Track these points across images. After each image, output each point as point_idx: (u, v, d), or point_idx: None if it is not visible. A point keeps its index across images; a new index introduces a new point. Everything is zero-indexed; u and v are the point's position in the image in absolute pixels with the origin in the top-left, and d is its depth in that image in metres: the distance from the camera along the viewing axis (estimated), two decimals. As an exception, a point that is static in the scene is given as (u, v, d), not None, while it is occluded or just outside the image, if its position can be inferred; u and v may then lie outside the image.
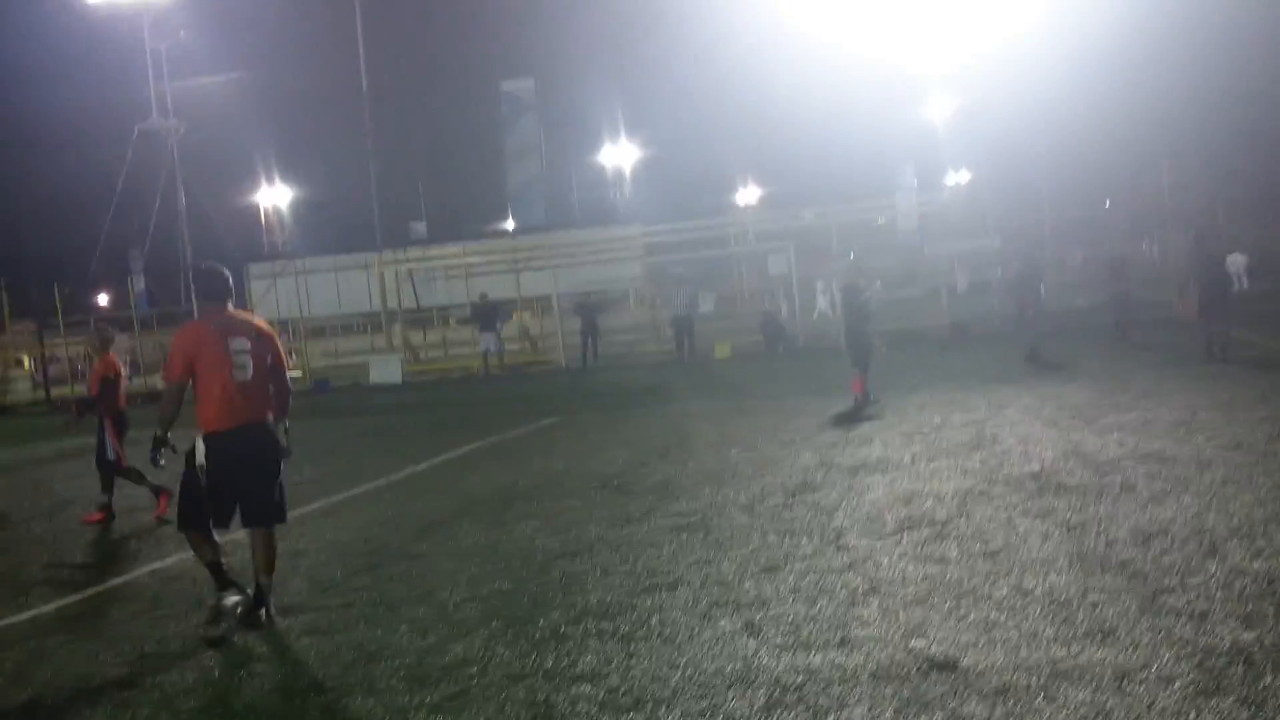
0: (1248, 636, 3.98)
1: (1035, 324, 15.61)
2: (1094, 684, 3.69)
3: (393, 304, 28.51)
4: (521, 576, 5.91)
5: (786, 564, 5.63)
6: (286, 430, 5.66)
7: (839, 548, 5.87)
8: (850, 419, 10.94)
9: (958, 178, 62.09)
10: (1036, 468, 7.49)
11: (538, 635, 4.85)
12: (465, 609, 5.38)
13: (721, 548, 6.13)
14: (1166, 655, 3.87)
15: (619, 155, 59.46)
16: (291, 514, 5.89)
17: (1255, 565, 4.83)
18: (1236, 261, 26.74)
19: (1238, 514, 5.73)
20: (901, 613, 4.66)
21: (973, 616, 4.52)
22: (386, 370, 25.21)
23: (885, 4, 40.95)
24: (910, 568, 5.35)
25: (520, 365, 25.51)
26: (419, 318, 32.97)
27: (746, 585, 5.32)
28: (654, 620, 4.90)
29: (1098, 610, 4.43)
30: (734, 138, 65.56)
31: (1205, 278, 13.59)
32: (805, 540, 6.10)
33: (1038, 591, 4.76)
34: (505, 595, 5.57)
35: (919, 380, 13.76)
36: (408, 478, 9.92)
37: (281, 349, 5.76)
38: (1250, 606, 4.30)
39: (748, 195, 65.93)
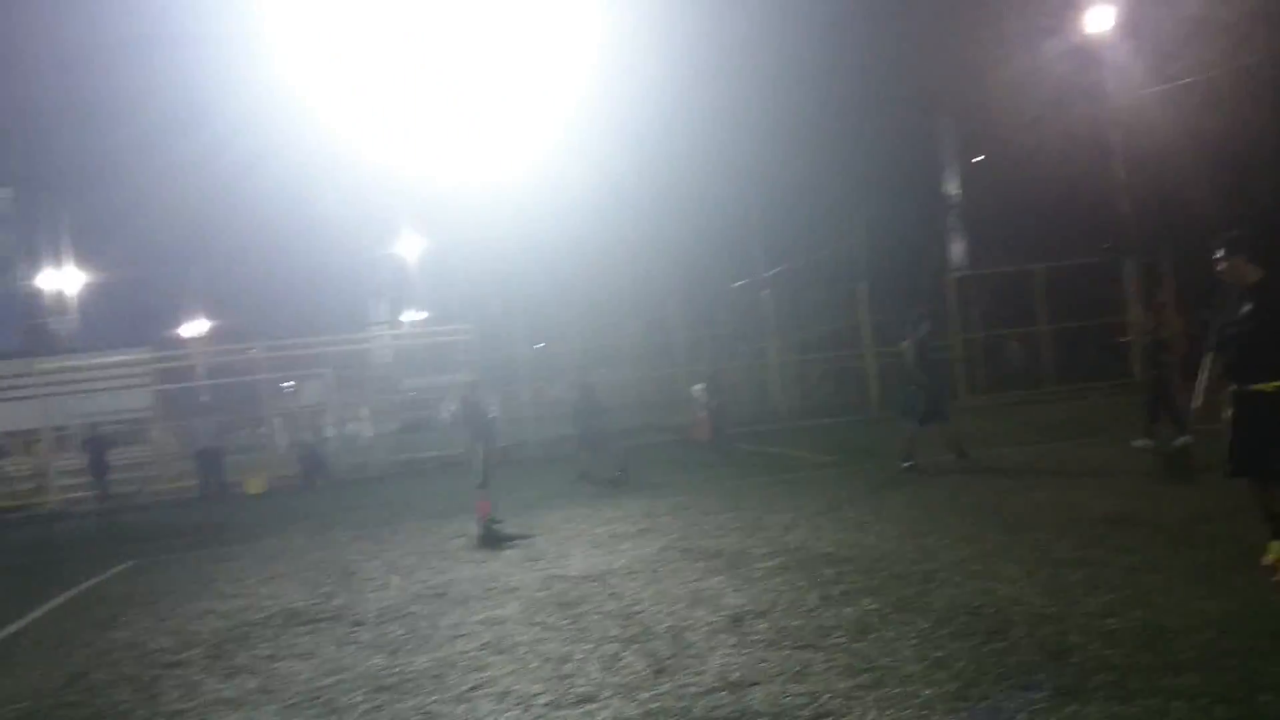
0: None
1: (599, 445, 17.19)
2: None
3: None
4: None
5: None
6: None
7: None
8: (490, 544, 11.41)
9: (417, 315, 64.89)
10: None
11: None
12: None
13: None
14: None
15: (63, 279, 54.84)
16: None
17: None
18: (700, 390, 31.11)
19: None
20: None
21: None
22: None
23: (355, 142, 42.21)
24: (685, 644, 6.35)
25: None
26: None
27: None
28: None
29: (865, 654, 5.75)
30: (187, 267, 63.03)
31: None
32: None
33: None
34: None
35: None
36: None
37: None
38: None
39: (196, 327, 63.53)
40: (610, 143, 33.63)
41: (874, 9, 29.74)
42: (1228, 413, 6.62)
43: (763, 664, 5.76)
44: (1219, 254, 6.66)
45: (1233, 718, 4.38)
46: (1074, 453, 13.89)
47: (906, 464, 13.27)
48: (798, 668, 5.62)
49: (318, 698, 6.04)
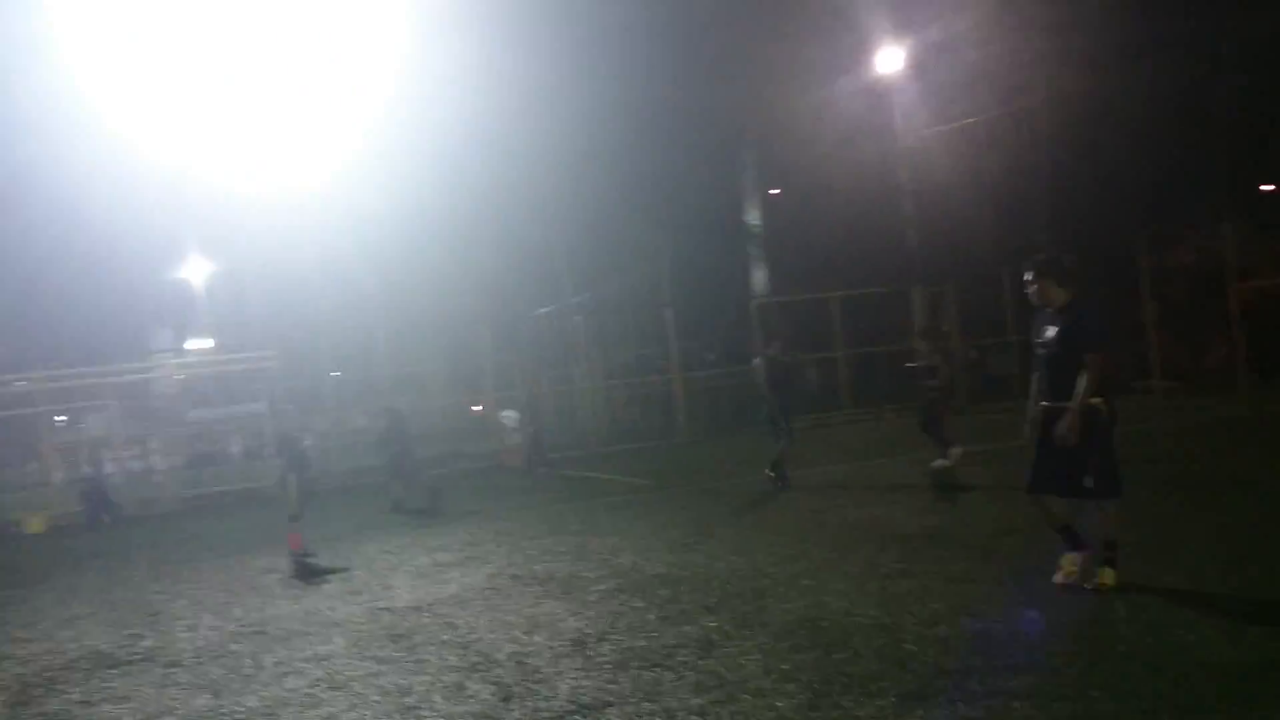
0: None
1: (409, 474, 16.75)
2: None
3: None
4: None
5: None
6: None
7: None
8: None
9: (202, 343, 62.01)
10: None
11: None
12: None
13: None
14: None
15: None
16: None
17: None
18: (510, 417, 30.94)
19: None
20: None
21: None
22: None
23: (135, 158, 39.90)
24: None
25: None
26: None
27: None
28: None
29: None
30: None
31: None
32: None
33: None
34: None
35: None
36: None
37: None
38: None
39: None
40: (414, 168, 33.12)
41: (680, 43, 30.45)
42: (1026, 430, 6.88)
43: (613, 685, 5.73)
44: (1028, 276, 6.85)
45: (1070, 714, 4.63)
46: (878, 472, 14.50)
47: (772, 472, 13.70)
48: (648, 687, 5.62)
49: (140, 743, 5.65)
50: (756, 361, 14.39)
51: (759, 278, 30.56)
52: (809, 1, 28.24)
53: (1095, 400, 6.48)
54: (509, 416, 30.68)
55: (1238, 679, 4.83)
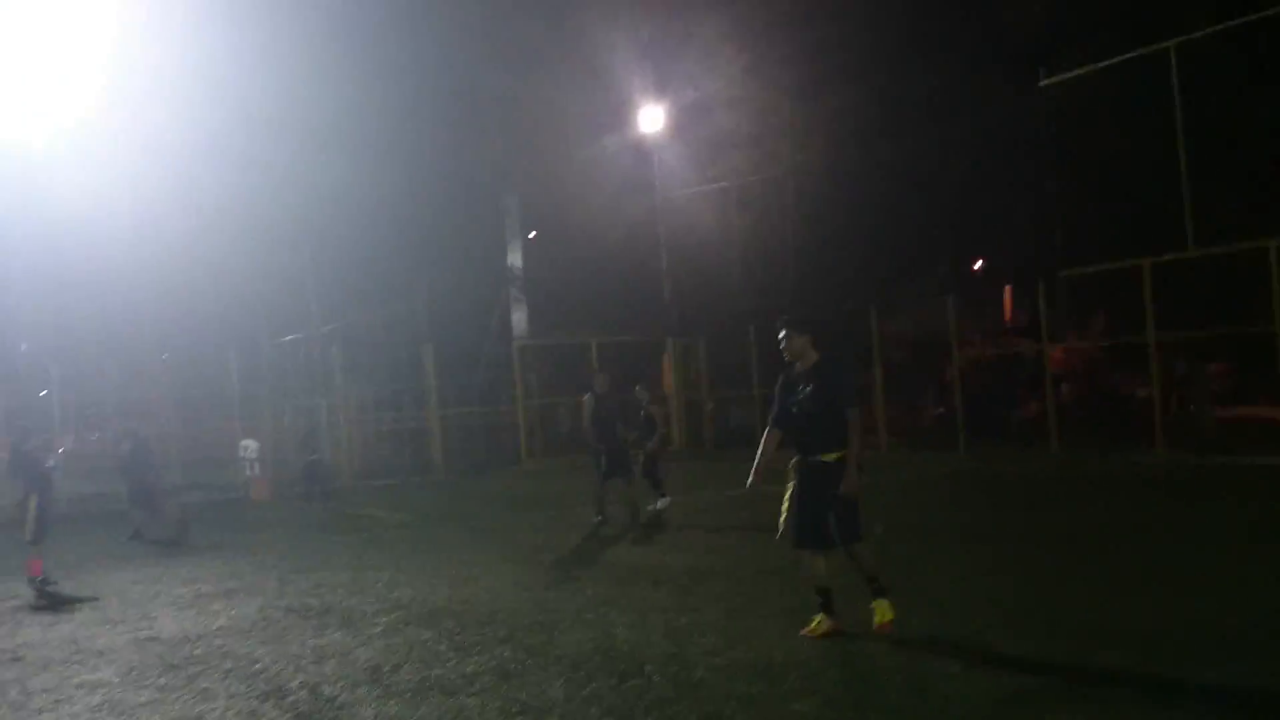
0: None
1: (152, 502, 15.92)
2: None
3: None
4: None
5: None
6: None
7: None
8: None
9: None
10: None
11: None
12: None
13: None
14: None
15: None
16: None
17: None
18: (250, 447, 29.78)
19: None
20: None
21: None
22: None
23: None
24: None
25: None
26: None
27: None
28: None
29: None
30: None
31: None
32: None
33: None
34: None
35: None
36: None
37: None
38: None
39: None
40: (154, 175, 31.53)
41: (450, 86, 30.61)
42: (789, 485, 7.04)
43: (416, 712, 5.85)
44: (782, 333, 7.04)
45: (853, 730, 5.16)
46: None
47: (598, 518, 13.52)
48: (454, 713, 5.78)
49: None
50: (585, 398, 14.17)
51: (519, 319, 30.91)
52: (584, 57, 29.07)
53: (840, 454, 6.78)
54: (248, 447, 29.58)
55: (993, 704, 5.49)
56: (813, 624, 6.94)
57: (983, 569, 9.24)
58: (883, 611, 6.84)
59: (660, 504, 13.93)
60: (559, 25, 29.23)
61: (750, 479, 7.22)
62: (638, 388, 15.92)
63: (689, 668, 6.40)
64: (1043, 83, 21.79)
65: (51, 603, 10.14)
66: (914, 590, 7.93)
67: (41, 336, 33.89)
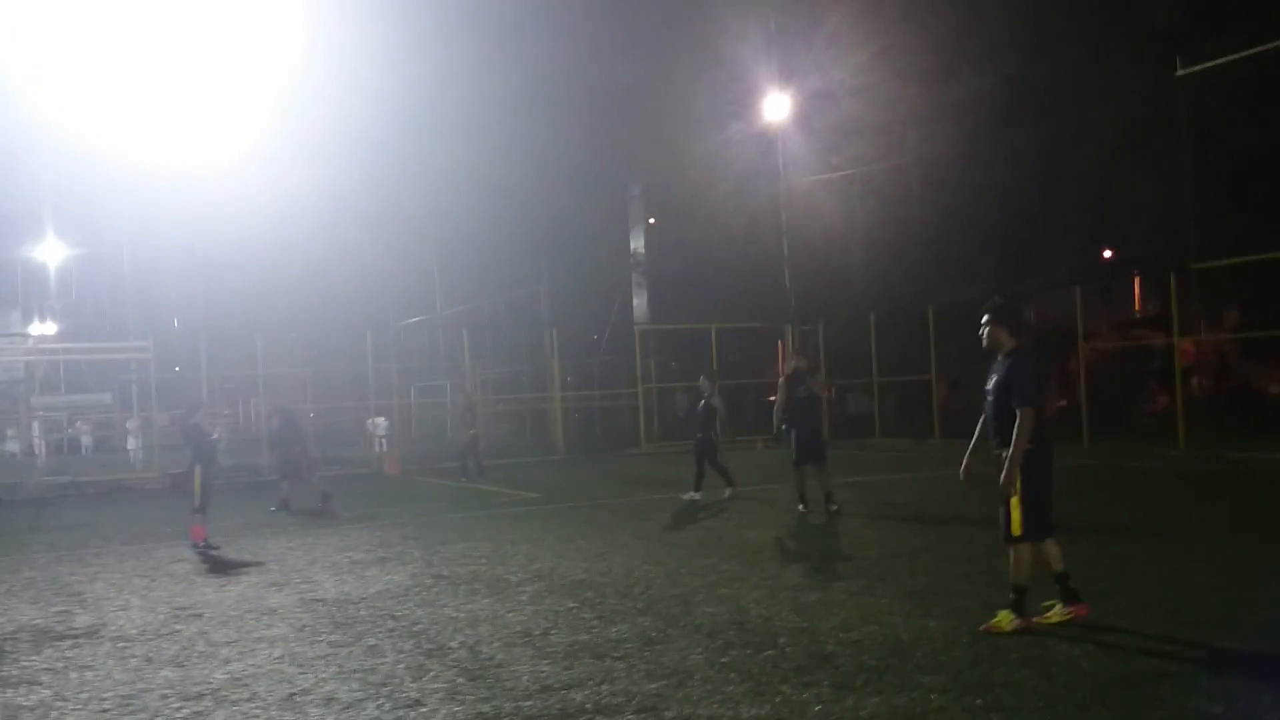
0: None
1: (300, 475, 16.85)
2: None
3: None
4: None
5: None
6: None
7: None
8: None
9: (44, 328, 59.57)
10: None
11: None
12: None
13: None
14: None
15: None
16: None
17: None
18: (379, 424, 31.07)
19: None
20: None
21: None
22: None
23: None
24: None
25: None
26: None
27: None
28: None
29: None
30: None
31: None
32: (361, 649, 7.08)
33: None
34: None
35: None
36: None
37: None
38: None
39: None
40: (300, 164, 32.95)
41: (577, 73, 31.22)
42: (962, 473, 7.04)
43: (569, 671, 6.33)
44: (984, 319, 6.93)
45: (982, 705, 5.46)
46: (761, 498, 15.38)
47: (800, 506, 13.01)
48: (604, 674, 6.25)
49: (129, 704, 5.99)
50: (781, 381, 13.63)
51: (640, 304, 31.48)
52: (711, 46, 29.39)
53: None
54: (378, 424, 30.79)
55: (1115, 685, 5.74)
56: (1049, 613, 6.87)
57: (1108, 559, 9.36)
58: (1003, 619, 6.77)
59: (728, 493, 14.68)
60: (687, 13, 29.60)
61: (961, 472, 7.17)
62: (701, 379, 16.17)
63: (820, 641, 6.77)
64: (1180, 72, 21.35)
65: (218, 567, 10.98)
66: (1040, 578, 8.15)
67: (192, 313, 35.71)
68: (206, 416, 13.53)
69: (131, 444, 32.42)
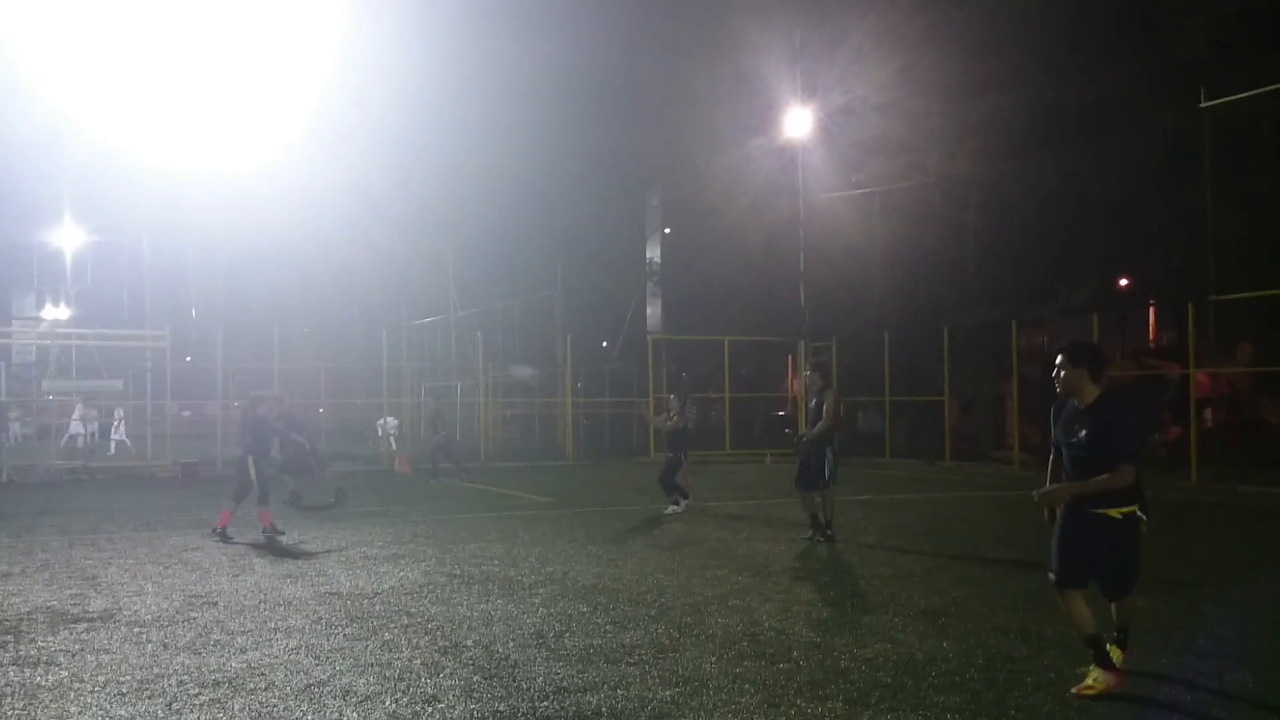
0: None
1: (306, 468, 16.90)
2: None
3: None
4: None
5: (395, 661, 6.67)
6: None
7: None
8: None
9: (57, 313, 59.81)
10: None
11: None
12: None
13: None
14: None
15: None
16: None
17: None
18: (390, 423, 31.14)
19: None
20: (549, 683, 6.19)
21: (601, 680, 6.26)
22: None
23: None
24: (500, 656, 6.84)
25: None
26: None
27: None
28: None
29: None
30: None
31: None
32: (376, 644, 7.12)
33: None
34: None
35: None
36: None
37: None
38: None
39: None
40: (315, 160, 33.10)
41: (600, 81, 31.36)
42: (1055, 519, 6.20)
43: (583, 674, 6.36)
44: (1059, 360, 6.17)
45: (997, 724, 5.50)
46: (771, 510, 15.39)
47: (811, 531, 12.19)
48: (618, 679, 6.28)
49: (147, 688, 6.03)
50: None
51: (654, 312, 31.55)
52: (735, 59, 29.49)
53: (1129, 509, 6.00)
54: (389, 423, 30.86)
55: (1128, 708, 5.76)
56: (1088, 679, 6.03)
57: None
58: (1095, 679, 6.02)
59: (672, 509, 14.66)
60: (711, 26, 29.73)
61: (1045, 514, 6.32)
62: (671, 396, 16.19)
63: (833, 656, 6.79)
64: (1204, 104, 21.35)
65: (230, 556, 11.06)
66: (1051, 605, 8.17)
67: (212, 303, 35.88)
68: (268, 410, 13.65)
69: (116, 435, 31.78)
